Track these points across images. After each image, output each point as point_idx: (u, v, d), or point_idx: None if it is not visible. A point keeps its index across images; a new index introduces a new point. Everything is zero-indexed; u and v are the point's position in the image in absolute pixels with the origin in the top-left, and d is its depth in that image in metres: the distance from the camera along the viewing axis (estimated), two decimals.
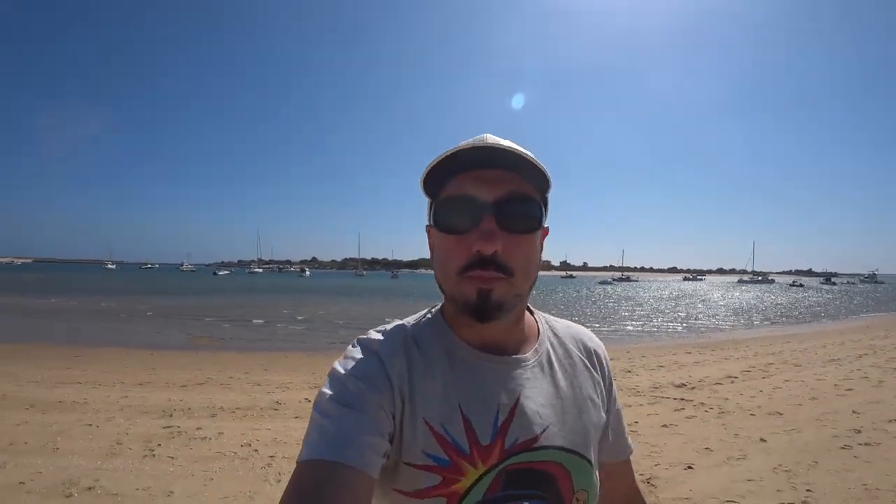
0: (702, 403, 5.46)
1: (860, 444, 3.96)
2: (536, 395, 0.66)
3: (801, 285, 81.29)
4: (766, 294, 48.90)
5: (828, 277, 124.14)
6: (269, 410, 5.15)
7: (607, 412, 0.75)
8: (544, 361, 0.70)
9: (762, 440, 4.14)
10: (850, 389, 6.02)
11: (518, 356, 0.67)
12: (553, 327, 0.77)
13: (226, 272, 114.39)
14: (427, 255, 0.70)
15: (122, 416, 4.78)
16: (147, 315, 18.12)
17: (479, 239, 0.58)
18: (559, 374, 0.70)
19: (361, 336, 0.67)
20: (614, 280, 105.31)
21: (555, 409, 0.66)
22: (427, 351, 0.65)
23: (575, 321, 0.83)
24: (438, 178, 0.63)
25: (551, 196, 0.68)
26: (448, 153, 0.59)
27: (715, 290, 58.02)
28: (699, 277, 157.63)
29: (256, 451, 3.90)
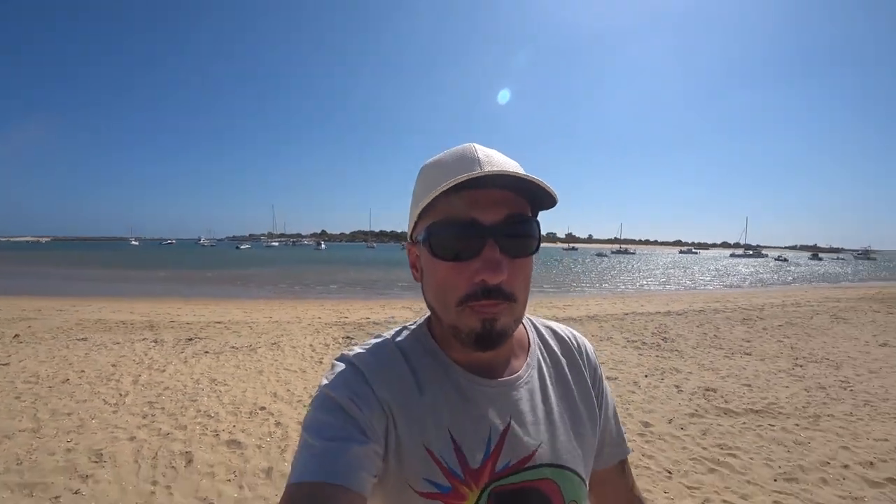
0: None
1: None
2: (528, 414, 0.64)
3: (786, 260, 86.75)
4: (739, 266, 54.82)
5: (815, 254, 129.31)
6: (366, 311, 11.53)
7: (599, 409, 0.74)
8: (535, 376, 0.69)
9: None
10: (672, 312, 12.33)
11: (510, 378, 0.66)
12: (540, 333, 0.76)
13: (247, 246, 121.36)
14: None
15: (321, 311, 11.13)
16: (240, 282, 24.62)
17: (485, 269, 0.55)
18: (550, 388, 0.69)
19: (346, 352, 0.65)
20: (612, 252, 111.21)
21: (546, 426, 0.65)
22: (418, 373, 0.63)
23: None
24: (424, 194, 0.58)
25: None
26: (460, 180, 0.53)
27: (697, 263, 63.91)
28: (694, 251, 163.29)
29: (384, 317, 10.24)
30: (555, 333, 0.77)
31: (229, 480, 3.01)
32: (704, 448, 3.58)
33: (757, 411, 4.40)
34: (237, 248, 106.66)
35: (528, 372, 0.68)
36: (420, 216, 0.61)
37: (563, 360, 0.73)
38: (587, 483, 0.68)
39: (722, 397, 4.79)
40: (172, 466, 3.17)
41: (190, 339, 7.08)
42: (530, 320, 0.77)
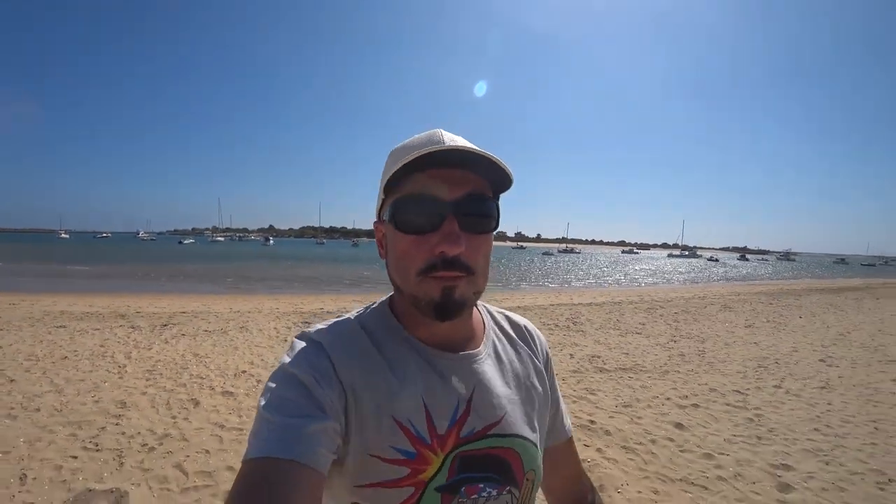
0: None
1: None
2: (489, 387, 0.68)
3: (717, 260, 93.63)
4: (673, 266, 59.00)
5: (743, 255, 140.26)
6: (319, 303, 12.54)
7: (550, 390, 0.80)
8: (492, 353, 0.73)
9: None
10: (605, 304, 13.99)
11: (469, 351, 0.70)
12: (494, 318, 0.81)
13: (191, 241, 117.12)
14: None
15: (277, 303, 12.03)
16: (187, 278, 24.87)
17: (444, 241, 0.59)
18: (506, 365, 0.74)
19: (306, 329, 0.67)
20: (558, 252, 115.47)
21: (505, 399, 0.69)
22: (381, 347, 0.66)
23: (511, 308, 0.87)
24: (393, 175, 0.61)
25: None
26: (419, 154, 0.57)
27: (635, 262, 68.08)
28: (636, 251, 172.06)
29: (327, 310, 11.29)
30: (508, 319, 0.83)
31: (230, 413, 4.13)
32: (575, 390, 5.01)
33: (624, 369, 5.91)
34: (180, 242, 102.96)
35: (486, 350, 0.73)
36: (387, 194, 0.64)
37: (518, 343, 0.79)
38: (541, 453, 0.74)
39: (602, 361, 6.29)
40: (185, 408, 4.24)
41: (165, 325, 7.96)
42: (485, 307, 0.81)
